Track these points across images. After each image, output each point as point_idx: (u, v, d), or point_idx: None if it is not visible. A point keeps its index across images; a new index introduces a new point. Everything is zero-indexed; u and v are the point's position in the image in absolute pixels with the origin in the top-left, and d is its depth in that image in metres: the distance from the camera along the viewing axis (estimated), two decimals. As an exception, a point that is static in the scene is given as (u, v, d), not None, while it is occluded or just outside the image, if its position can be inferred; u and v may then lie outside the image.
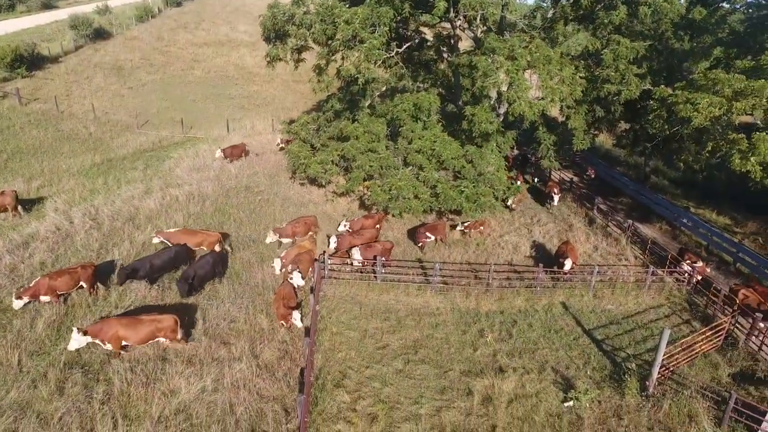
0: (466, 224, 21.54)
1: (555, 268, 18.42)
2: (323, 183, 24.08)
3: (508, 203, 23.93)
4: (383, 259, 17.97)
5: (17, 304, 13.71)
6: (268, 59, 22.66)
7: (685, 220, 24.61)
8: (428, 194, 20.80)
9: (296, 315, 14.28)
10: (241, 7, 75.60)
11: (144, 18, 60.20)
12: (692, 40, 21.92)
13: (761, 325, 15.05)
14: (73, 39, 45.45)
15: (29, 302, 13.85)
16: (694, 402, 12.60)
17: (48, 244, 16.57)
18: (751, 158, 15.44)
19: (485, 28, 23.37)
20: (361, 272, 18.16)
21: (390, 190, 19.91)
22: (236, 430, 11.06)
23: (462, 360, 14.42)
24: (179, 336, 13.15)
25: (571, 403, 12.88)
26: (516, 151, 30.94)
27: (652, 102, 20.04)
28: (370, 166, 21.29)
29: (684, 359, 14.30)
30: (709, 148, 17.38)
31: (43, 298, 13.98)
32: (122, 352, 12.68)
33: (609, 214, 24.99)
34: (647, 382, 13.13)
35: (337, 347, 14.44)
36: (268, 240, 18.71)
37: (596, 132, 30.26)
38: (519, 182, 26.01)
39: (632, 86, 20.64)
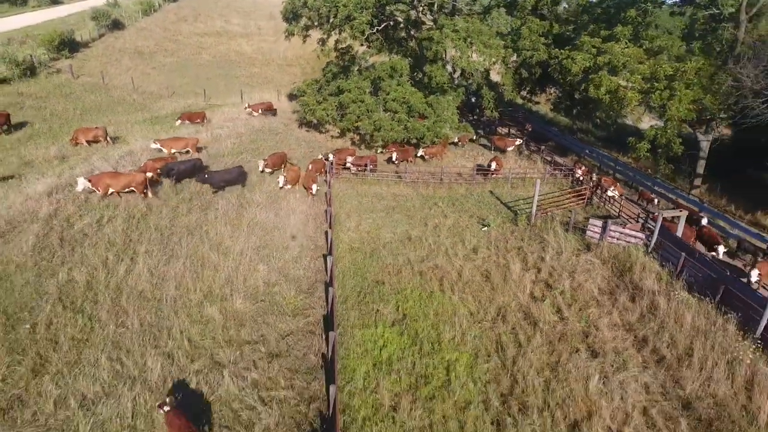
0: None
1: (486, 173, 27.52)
2: (322, 131, 32.73)
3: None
4: (372, 165, 26.77)
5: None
6: (286, 34, 31.20)
7: (588, 152, 34.04)
8: (401, 128, 29.54)
9: (314, 186, 22.95)
10: (232, 3, 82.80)
11: (148, 12, 67.52)
12: (575, 19, 31.26)
13: (610, 194, 24.31)
14: (97, 29, 52.84)
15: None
16: (554, 223, 21.69)
17: (147, 155, 24.76)
18: (601, 89, 24.66)
19: (440, 12, 32.25)
20: (356, 174, 26.86)
21: (375, 122, 28.63)
22: (291, 229, 19.68)
23: (421, 213, 23.26)
24: (146, 190, 19.89)
25: (485, 228, 21.84)
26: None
27: (551, 60, 29.24)
28: (360, 110, 29.95)
29: (556, 208, 23.46)
30: (583, 87, 26.62)
31: (148, 174, 21.86)
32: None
33: (536, 150, 34.19)
34: (530, 216, 22.23)
35: (344, 207, 23.12)
36: (260, 168, 24.64)
37: (536, 100, 39.39)
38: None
39: (541, 52, 29.78)
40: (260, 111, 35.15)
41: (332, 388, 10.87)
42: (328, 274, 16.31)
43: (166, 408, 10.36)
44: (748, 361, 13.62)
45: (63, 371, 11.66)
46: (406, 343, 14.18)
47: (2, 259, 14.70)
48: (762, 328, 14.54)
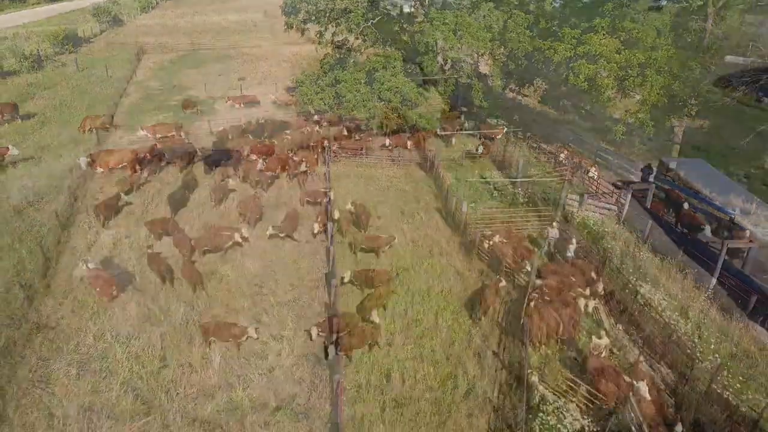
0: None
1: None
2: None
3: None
4: (366, 151, 28.52)
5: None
6: (286, 26, 32.87)
7: (572, 139, 35.97)
8: (395, 116, 31.27)
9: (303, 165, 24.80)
10: (228, 1, 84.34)
11: (146, 9, 69.03)
12: (560, 14, 33.19)
13: (590, 173, 26.21)
14: (98, 25, 54.26)
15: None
16: (537, 199, 23.51)
17: (153, 140, 26.36)
18: (580, 76, 26.52)
19: (431, 6, 34.01)
20: (350, 158, 28.61)
21: (370, 110, 30.36)
22: (293, 204, 21.38)
23: (414, 193, 25.01)
24: (136, 166, 21.84)
25: (473, 204, 23.61)
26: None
27: (534, 52, 31.08)
28: (355, 99, 31.62)
29: (539, 187, 25.28)
30: (564, 75, 28.48)
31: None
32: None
33: (522, 138, 36.05)
34: (518, 190, 24.09)
35: (341, 186, 24.83)
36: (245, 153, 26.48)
37: (525, 93, 41.24)
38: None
39: (525, 44, 31.56)
40: (241, 104, 36.19)
41: (335, 320, 12.58)
42: (329, 238, 18.01)
43: (91, 264, 12.78)
44: (700, 307, 15.50)
45: (99, 312, 13.31)
46: (399, 295, 15.91)
47: (35, 223, 16.32)
48: (714, 281, 16.43)
